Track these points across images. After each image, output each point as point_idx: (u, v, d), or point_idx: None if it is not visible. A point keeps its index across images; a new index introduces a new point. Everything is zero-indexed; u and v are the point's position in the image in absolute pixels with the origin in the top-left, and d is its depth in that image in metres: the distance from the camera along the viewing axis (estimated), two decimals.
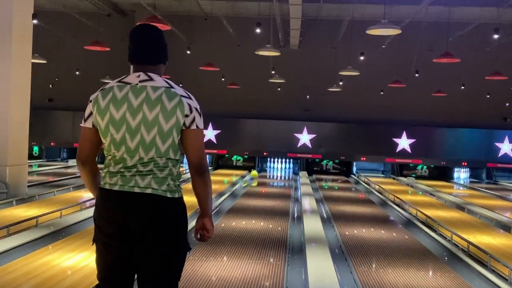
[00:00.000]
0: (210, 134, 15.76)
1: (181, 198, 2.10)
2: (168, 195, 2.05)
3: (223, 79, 15.16)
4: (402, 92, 15.49)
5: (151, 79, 2.06)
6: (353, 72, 12.48)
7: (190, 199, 2.50)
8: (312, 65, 15.98)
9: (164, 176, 2.04)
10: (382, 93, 15.78)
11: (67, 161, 15.23)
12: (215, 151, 15.79)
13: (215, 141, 15.79)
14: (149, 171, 2.03)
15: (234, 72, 15.62)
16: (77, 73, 15.55)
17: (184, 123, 2.04)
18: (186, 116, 2.04)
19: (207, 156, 15.78)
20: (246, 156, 16.26)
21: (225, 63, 15.21)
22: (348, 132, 15.79)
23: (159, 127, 2.01)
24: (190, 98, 2.08)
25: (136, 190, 2.02)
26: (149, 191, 2.03)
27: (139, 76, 2.07)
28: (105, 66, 15.56)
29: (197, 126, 2.07)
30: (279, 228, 6.38)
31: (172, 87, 2.06)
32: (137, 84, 2.05)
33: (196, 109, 2.07)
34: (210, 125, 15.81)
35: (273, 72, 14.56)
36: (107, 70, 15.18)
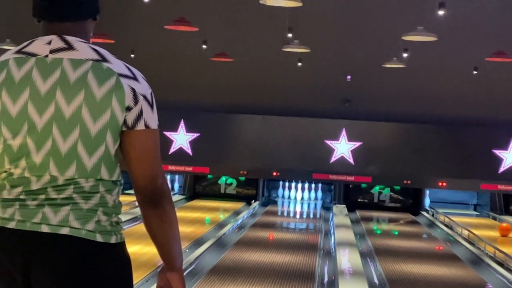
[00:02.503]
0: (180, 139, 15.72)
1: (120, 245, 2.18)
2: (98, 238, 2.13)
3: (204, 47, 15.13)
4: (510, 71, 15.40)
5: (70, 47, 2.15)
6: (426, 37, 12.36)
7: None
8: (356, 24, 15.89)
9: (91, 208, 2.14)
10: (475, 72, 15.68)
11: None
12: (189, 169, 15.78)
13: (189, 151, 15.75)
14: (66, 199, 2.12)
15: (223, 36, 15.57)
16: None
17: (125, 121, 2.14)
18: (128, 109, 2.14)
19: (170, 175, 15.96)
20: (242, 178, 16.27)
21: (208, 20, 15.14)
22: (418, 139, 15.70)
23: (82, 128, 2.10)
24: (135, 78, 2.17)
25: (44, 229, 2.10)
26: (65, 231, 2.11)
27: (50, 43, 2.15)
28: (6, 23, 15.54)
29: (146, 125, 2.17)
30: None
31: (105, 59, 2.15)
32: (47, 55, 2.14)
33: (145, 96, 2.17)
34: (182, 124, 15.75)
35: (290, 35, 14.52)
36: (7, 31, 15.18)
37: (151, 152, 2.17)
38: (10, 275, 2.13)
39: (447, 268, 9.06)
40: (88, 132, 2.10)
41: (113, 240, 2.14)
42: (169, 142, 15.87)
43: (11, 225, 2.11)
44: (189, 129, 15.90)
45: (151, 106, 2.17)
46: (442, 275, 8.63)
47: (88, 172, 2.12)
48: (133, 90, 2.13)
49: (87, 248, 2.11)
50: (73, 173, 2.11)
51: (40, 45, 2.15)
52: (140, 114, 2.14)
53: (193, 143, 15.88)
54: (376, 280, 8.26)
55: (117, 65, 2.16)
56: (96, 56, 2.14)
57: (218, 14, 15.60)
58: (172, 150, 15.81)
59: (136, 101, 2.13)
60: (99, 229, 2.12)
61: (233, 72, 15.89)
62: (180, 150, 15.85)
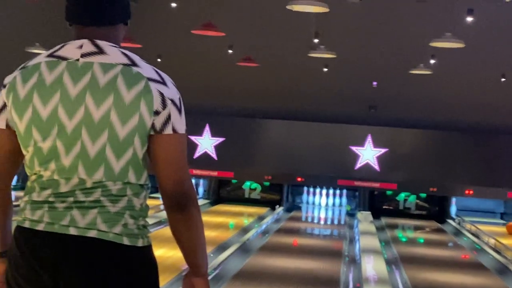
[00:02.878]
0: (205, 144, 15.74)
1: (147, 248, 2.20)
2: (125, 241, 2.14)
3: (230, 52, 15.15)
4: None
5: (101, 51, 2.16)
6: (453, 44, 12.28)
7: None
8: (383, 30, 15.83)
9: (119, 211, 2.15)
10: (503, 80, 15.55)
11: None
12: (214, 174, 15.79)
13: (214, 156, 15.77)
14: (94, 202, 2.14)
15: (249, 40, 15.59)
16: None
17: (153, 125, 2.15)
18: (157, 113, 2.15)
19: (194, 179, 16.00)
20: (267, 183, 16.23)
21: (234, 25, 15.18)
22: (444, 147, 15.59)
23: (111, 132, 2.12)
24: (163, 83, 2.18)
25: (72, 231, 2.12)
26: (92, 233, 2.13)
27: (81, 47, 2.17)
28: (35, 28, 15.70)
29: (174, 130, 2.18)
30: None
31: (134, 64, 2.16)
32: (78, 59, 2.15)
33: (173, 101, 2.18)
34: (207, 129, 15.77)
35: (316, 40, 14.50)
36: (37, 35, 15.33)
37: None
38: (39, 276, 2.14)
39: (473, 277, 8.97)
40: (116, 135, 2.12)
41: (140, 243, 2.15)
42: (194, 146, 15.90)
43: (40, 227, 2.13)
44: (214, 134, 15.92)
45: (179, 110, 2.17)
46: (468, 284, 8.54)
47: (115, 176, 2.13)
48: (161, 94, 2.14)
49: (114, 251, 2.13)
50: (101, 176, 2.13)
51: (72, 49, 2.17)
52: (168, 119, 2.15)
53: (218, 147, 15.89)
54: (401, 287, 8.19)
55: (146, 69, 2.16)
56: (126, 61, 2.15)
57: (245, 19, 15.64)
58: (197, 154, 15.83)
59: (164, 105, 2.14)
60: (126, 232, 2.14)
61: (259, 77, 15.90)
62: (205, 155, 15.87)
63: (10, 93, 2.18)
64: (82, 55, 2.15)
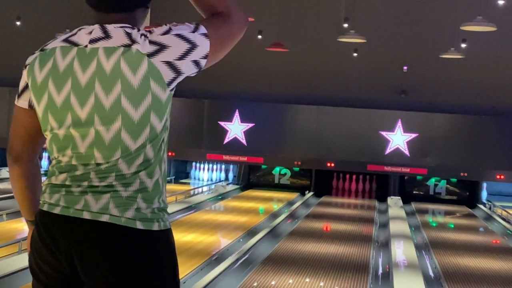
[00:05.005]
0: (236, 129, 15.79)
1: (164, 232, 2.17)
2: (139, 225, 2.12)
3: (259, 37, 15.14)
4: None
5: (107, 35, 2.13)
6: (485, 27, 12.16)
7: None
8: (413, 14, 15.71)
9: (131, 195, 2.13)
10: None
11: (0, 169, 15.57)
12: (244, 159, 15.84)
13: (244, 141, 15.80)
14: (107, 187, 2.13)
15: (279, 26, 15.56)
16: (18, 23, 16.01)
17: (171, 90, 2.17)
18: (171, 81, 2.15)
19: (225, 165, 16.05)
20: (297, 169, 16.24)
21: (264, 10, 15.17)
22: (475, 131, 15.46)
23: (124, 117, 2.10)
24: (162, 47, 2.13)
25: (86, 216, 2.12)
26: (105, 218, 2.12)
27: (91, 32, 2.15)
28: (65, 13, 15.82)
29: (206, 37, 2.22)
30: None
31: (133, 41, 2.11)
32: (86, 45, 2.14)
33: (178, 50, 2.15)
34: (237, 115, 15.80)
35: (345, 25, 14.44)
36: (68, 20, 15.43)
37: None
38: (57, 260, 2.15)
39: (504, 262, 8.90)
40: (131, 119, 2.10)
41: (155, 227, 2.14)
42: (224, 132, 15.94)
43: (57, 210, 2.15)
44: (243, 119, 15.94)
45: (191, 42, 2.16)
46: (498, 269, 8.48)
47: (132, 155, 2.12)
48: (167, 63, 2.12)
49: (127, 235, 2.11)
50: (117, 159, 2.12)
51: (83, 35, 2.16)
52: (194, 62, 2.17)
53: (247, 133, 15.91)
54: (431, 273, 8.17)
55: (143, 43, 2.11)
56: (127, 41, 2.12)
57: (274, 4, 15.59)
58: (226, 140, 15.88)
59: (175, 68, 2.14)
60: (139, 216, 2.12)
61: (288, 63, 15.86)
62: (235, 140, 15.90)
63: (29, 76, 2.19)
64: (90, 41, 2.14)
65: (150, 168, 2.15)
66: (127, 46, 2.10)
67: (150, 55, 2.10)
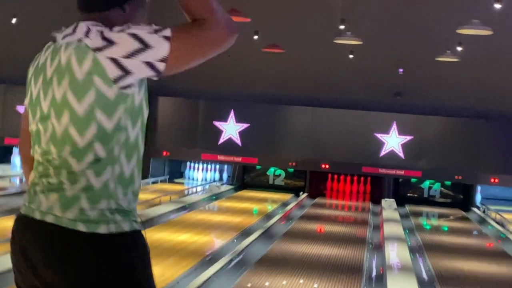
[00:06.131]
0: (230, 130, 15.78)
1: (113, 236, 2.07)
2: (81, 228, 2.05)
3: (255, 37, 15.12)
4: None
5: (73, 31, 2.15)
6: (481, 31, 12.16)
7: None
8: (409, 16, 15.70)
9: (75, 194, 2.08)
10: None
11: None
12: (238, 160, 15.83)
13: (239, 142, 15.80)
14: (57, 185, 2.11)
15: (275, 27, 15.54)
16: (13, 21, 15.99)
17: (123, 88, 2.10)
18: (118, 79, 2.08)
19: (219, 165, 16.04)
20: (291, 170, 16.23)
21: (260, 11, 15.14)
22: (470, 134, 15.48)
23: (70, 111, 2.10)
24: (110, 43, 2.09)
25: (36, 215, 2.11)
26: (50, 218, 2.09)
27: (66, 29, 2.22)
28: (60, 10, 15.75)
29: (163, 52, 2.11)
30: None
31: (87, 36, 2.11)
32: (58, 42, 2.20)
33: (129, 48, 2.08)
34: (232, 115, 15.79)
35: (342, 27, 14.43)
36: (63, 18, 15.39)
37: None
38: (18, 259, 2.15)
39: (498, 266, 8.91)
40: (76, 114, 2.08)
41: (101, 230, 2.04)
42: (219, 132, 15.92)
43: (22, 210, 2.16)
44: (239, 120, 15.93)
45: (143, 42, 2.07)
46: (492, 273, 8.48)
47: (81, 152, 2.08)
48: (112, 59, 2.07)
49: (69, 238, 2.04)
50: (66, 155, 2.09)
51: (62, 32, 2.19)
52: (147, 63, 2.08)
53: (242, 133, 15.90)
54: (425, 276, 8.16)
55: (94, 38, 2.09)
56: (81, 35, 2.11)
57: (270, 4, 15.57)
58: (221, 140, 15.86)
59: (121, 66, 2.07)
60: (81, 217, 2.05)
61: (284, 63, 15.84)
62: (230, 141, 15.89)
63: (28, 73, 2.26)
64: (62, 37, 2.16)
65: (98, 167, 2.08)
66: (80, 41, 2.10)
67: (97, 49, 2.07)
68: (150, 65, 2.07)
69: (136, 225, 2.11)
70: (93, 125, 2.07)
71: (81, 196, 2.06)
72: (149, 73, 2.08)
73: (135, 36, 2.07)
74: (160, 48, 2.07)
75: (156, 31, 2.08)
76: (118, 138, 2.09)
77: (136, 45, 2.07)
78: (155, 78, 2.12)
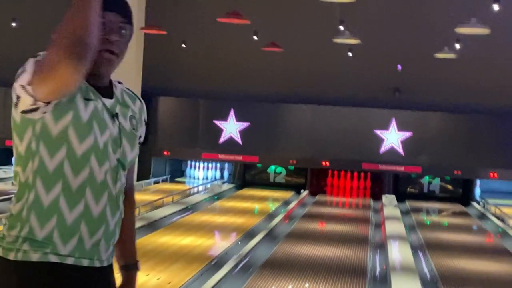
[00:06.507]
0: (231, 129, 15.84)
1: (20, 264, 2.06)
2: (1, 252, 2.11)
3: (255, 38, 15.17)
4: None
5: None
6: (479, 29, 12.21)
7: None
8: (408, 14, 15.76)
9: (7, 217, 2.13)
10: None
11: None
12: (239, 158, 15.88)
13: (239, 140, 15.85)
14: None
15: (274, 26, 15.60)
16: (13, 24, 16.01)
17: (24, 113, 2.05)
18: (16, 105, 2.04)
19: (220, 164, 16.07)
20: (292, 168, 16.28)
21: (259, 12, 15.19)
22: (469, 130, 15.55)
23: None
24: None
25: None
26: None
27: None
28: (61, 14, 15.77)
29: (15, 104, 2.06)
30: None
31: None
32: None
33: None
34: (232, 114, 15.84)
35: (341, 27, 14.47)
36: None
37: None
38: None
39: (499, 264, 8.92)
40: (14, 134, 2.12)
41: (10, 256, 2.07)
42: (219, 131, 15.99)
43: None
44: (239, 119, 15.99)
45: (24, 66, 2.01)
46: (493, 271, 8.50)
47: (15, 176, 2.12)
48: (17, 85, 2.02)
49: None
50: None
51: None
52: (22, 87, 1.99)
53: (242, 132, 15.96)
54: (427, 275, 8.24)
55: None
56: None
57: (270, 5, 15.62)
58: (222, 139, 15.94)
59: (14, 91, 2.01)
60: (1, 243, 2.10)
61: (284, 62, 15.90)
62: (230, 139, 15.95)
63: None
64: None
65: (18, 193, 2.09)
66: None
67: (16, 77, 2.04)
68: (23, 88, 1.98)
69: (53, 258, 2.06)
70: (14, 149, 2.10)
71: (5, 221, 2.11)
72: (24, 95, 1.98)
73: (26, 62, 2.04)
74: (28, 70, 1.99)
75: (37, 55, 2.03)
76: (32, 164, 2.05)
77: (20, 70, 2.02)
78: (39, 106, 1.99)
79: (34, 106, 1.99)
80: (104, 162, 2.09)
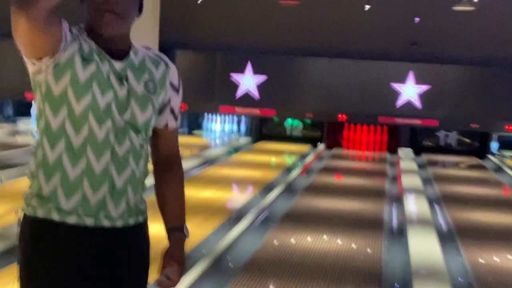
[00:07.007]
0: (248, 82, 15.85)
1: (26, 219, 2.19)
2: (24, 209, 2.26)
3: None
4: None
5: None
6: None
7: None
8: None
9: (27, 175, 2.26)
10: None
11: (15, 122, 15.73)
12: (256, 112, 15.94)
13: (257, 94, 15.89)
14: None
15: None
16: None
17: (32, 75, 2.21)
18: (29, 68, 2.20)
19: (237, 117, 16.20)
20: (308, 121, 16.36)
21: None
22: (486, 83, 15.50)
23: None
24: None
25: None
26: None
27: None
28: (64, 15, 15.70)
29: None
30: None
31: None
32: None
33: None
34: (249, 67, 15.85)
35: None
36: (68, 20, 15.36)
37: None
38: None
39: None
40: None
41: (27, 211, 2.21)
42: (236, 84, 16.04)
43: None
44: (256, 71, 16.00)
45: None
46: (509, 223, 8.64)
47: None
48: None
49: None
50: None
51: None
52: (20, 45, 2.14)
53: (260, 85, 15.98)
54: (444, 228, 8.33)
55: None
56: None
57: None
58: (239, 92, 15.99)
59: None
60: (24, 199, 2.25)
61: (300, 15, 15.82)
62: (247, 92, 15.99)
63: None
64: None
65: (33, 152, 2.21)
66: None
67: None
68: (20, 47, 2.08)
69: (56, 215, 2.14)
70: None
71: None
72: (24, 59, 2.11)
73: None
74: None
75: None
76: (40, 124, 2.15)
77: None
78: (39, 66, 2.10)
79: (36, 68, 2.10)
80: (105, 121, 2.13)
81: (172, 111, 2.30)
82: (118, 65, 2.17)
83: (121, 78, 2.17)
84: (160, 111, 2.27)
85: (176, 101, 2.31)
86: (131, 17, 2.19)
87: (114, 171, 2.15)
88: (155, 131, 2.28)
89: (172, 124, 2.31)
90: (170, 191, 2.32)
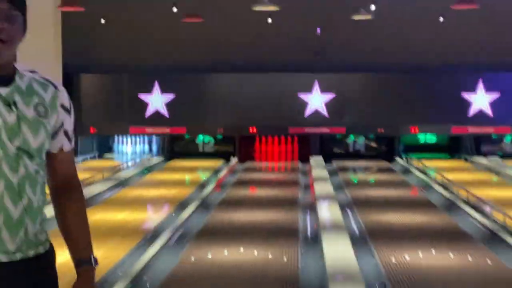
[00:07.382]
0: (157, 102, 15.82)
1: None
2: None
3: (174, 10, 15.11)
4: (476, 18, 15.57)
5: None
6: None
7: None
8: None
9: None
10: (442, 20, 15.86)
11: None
12: (166, 130, 15.90)
13: (165, 113, 15.86)
14: None
15: None
16: None
17: None
18: None
19: (147, 137, 16.09)
20: (219, 136, 16.40)
21: None
22: (389, 88, 15.93)
23: None
24: None
25: None
26: None
27: None
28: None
29: None
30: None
31: None
32: None
33: None
34: (156, 86, 15.82)
35: None
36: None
37: None
38: None
39: (424, 216, 9.11)
40: None
41: None
42: (145, 104, 15.96)
43: None
44: (164, 91, 15.97)
45: None
46: (419, 223, 8.74)
47: None
48: None
49: None
50: None
51: None
52: None
53: (169, 104, 15.95)
54: (357, 232, 8.47)
55: None
56: None
57: None
58: (148, 112, 15.92)
59: None
60: None
61: (205, 33, 15.89)
62: (157, 112, 15.93)
63: None
64: None
65: None
66: None
67: None
68: None
69: None
70: None
71: None
72: None
73: None
74: None
75: None
76: None
77: None
78: None
79: None
80: None
81: (66, 134, 2.24)
82: (3, 90, 2.11)
83: (9, 104, 2.10)
84: (54, 134, 2.21)
85: (69, 122, 2.25)
86: (17, 42, 2.13)
87: (9, 201, 2.07)
88: (49, 155, 2.21)
89: (67, 146, 2.25)
90: (73, 219, 2.25)
